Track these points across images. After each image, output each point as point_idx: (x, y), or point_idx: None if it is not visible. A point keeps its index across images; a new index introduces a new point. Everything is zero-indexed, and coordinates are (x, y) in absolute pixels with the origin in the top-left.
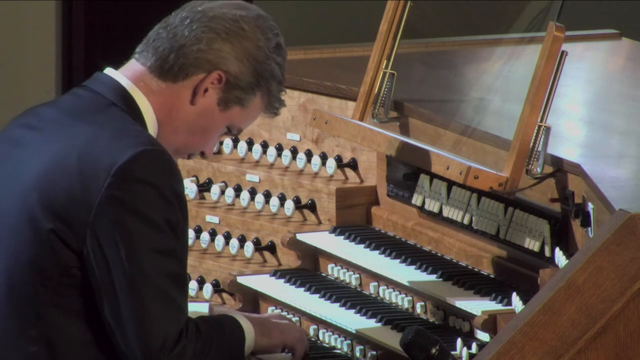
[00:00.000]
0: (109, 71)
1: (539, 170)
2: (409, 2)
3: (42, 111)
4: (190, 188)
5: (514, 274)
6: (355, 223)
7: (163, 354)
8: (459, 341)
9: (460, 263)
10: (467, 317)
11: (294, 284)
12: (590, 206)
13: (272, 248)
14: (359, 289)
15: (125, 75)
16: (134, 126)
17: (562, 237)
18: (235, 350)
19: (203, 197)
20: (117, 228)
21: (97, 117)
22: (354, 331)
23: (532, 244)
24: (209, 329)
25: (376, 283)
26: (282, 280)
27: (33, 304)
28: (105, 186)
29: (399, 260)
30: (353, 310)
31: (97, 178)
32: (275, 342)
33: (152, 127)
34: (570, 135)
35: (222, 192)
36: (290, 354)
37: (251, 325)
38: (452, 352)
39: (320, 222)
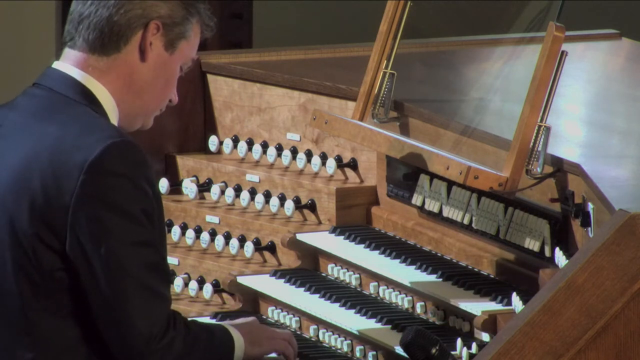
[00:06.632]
0: (58, 65)
1: (539, 170)
2: (409, 2)
3: (3, 116)
4: (190, 188)
5: (514, 274)
6: (355, 223)
7: (152, 343)
8: (459, 341)
9: (460, 263)
10: (467, 317)
11: (294, 284)
12: (590, 206)
13: (272, 248)
14: (359, 289)
15: (73, 65)
16: (98, 120)
17: (562, 237)
18: (225, 357)
19: (203, 197)
20: (95, 225)
21: (60, 116)
22: (354, 331)
23: (532, 244)
24: (199, 330)
25: (376, 283)
26: (282, 280)
27: (23, 311)
28: (79, 184)
29: (399, 260)
30: (353, 310)
31: (70, 177)
32: (265, 350)
33: (112, 113)
34: (570, 135)
35: (222, 192)
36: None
37: (241, 335)
38: (452, 352)
39: (320, 222)
